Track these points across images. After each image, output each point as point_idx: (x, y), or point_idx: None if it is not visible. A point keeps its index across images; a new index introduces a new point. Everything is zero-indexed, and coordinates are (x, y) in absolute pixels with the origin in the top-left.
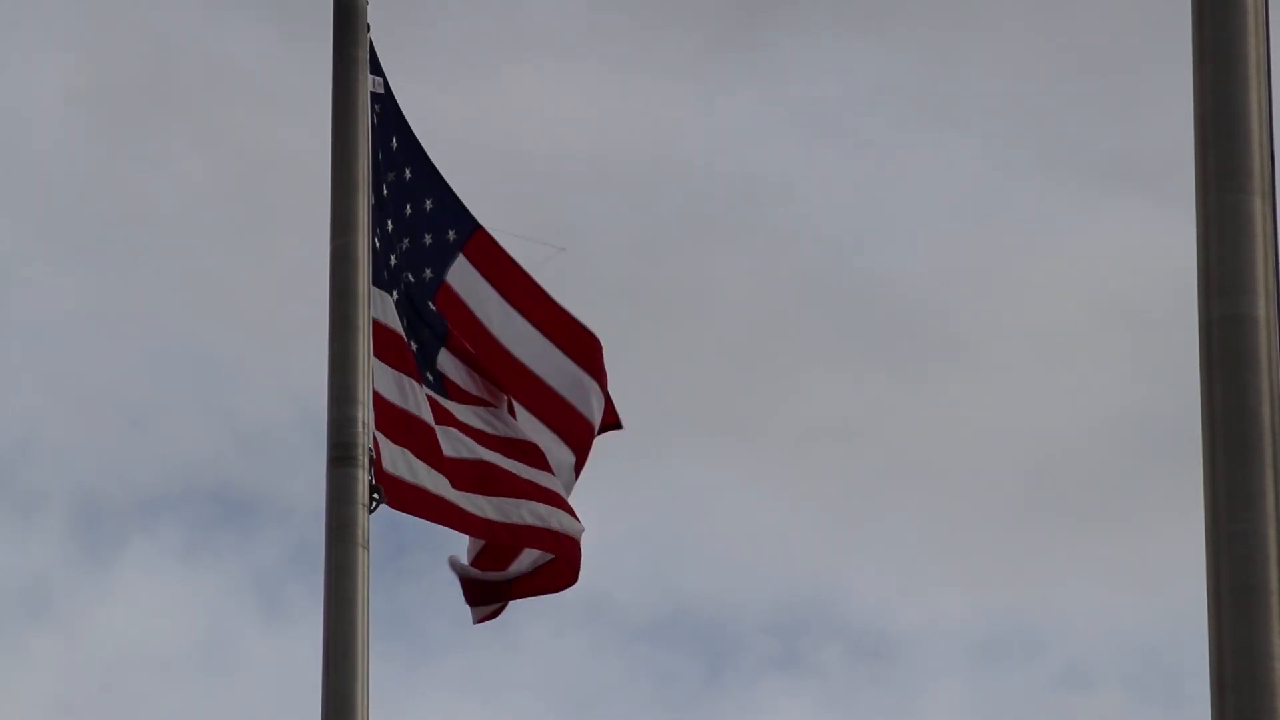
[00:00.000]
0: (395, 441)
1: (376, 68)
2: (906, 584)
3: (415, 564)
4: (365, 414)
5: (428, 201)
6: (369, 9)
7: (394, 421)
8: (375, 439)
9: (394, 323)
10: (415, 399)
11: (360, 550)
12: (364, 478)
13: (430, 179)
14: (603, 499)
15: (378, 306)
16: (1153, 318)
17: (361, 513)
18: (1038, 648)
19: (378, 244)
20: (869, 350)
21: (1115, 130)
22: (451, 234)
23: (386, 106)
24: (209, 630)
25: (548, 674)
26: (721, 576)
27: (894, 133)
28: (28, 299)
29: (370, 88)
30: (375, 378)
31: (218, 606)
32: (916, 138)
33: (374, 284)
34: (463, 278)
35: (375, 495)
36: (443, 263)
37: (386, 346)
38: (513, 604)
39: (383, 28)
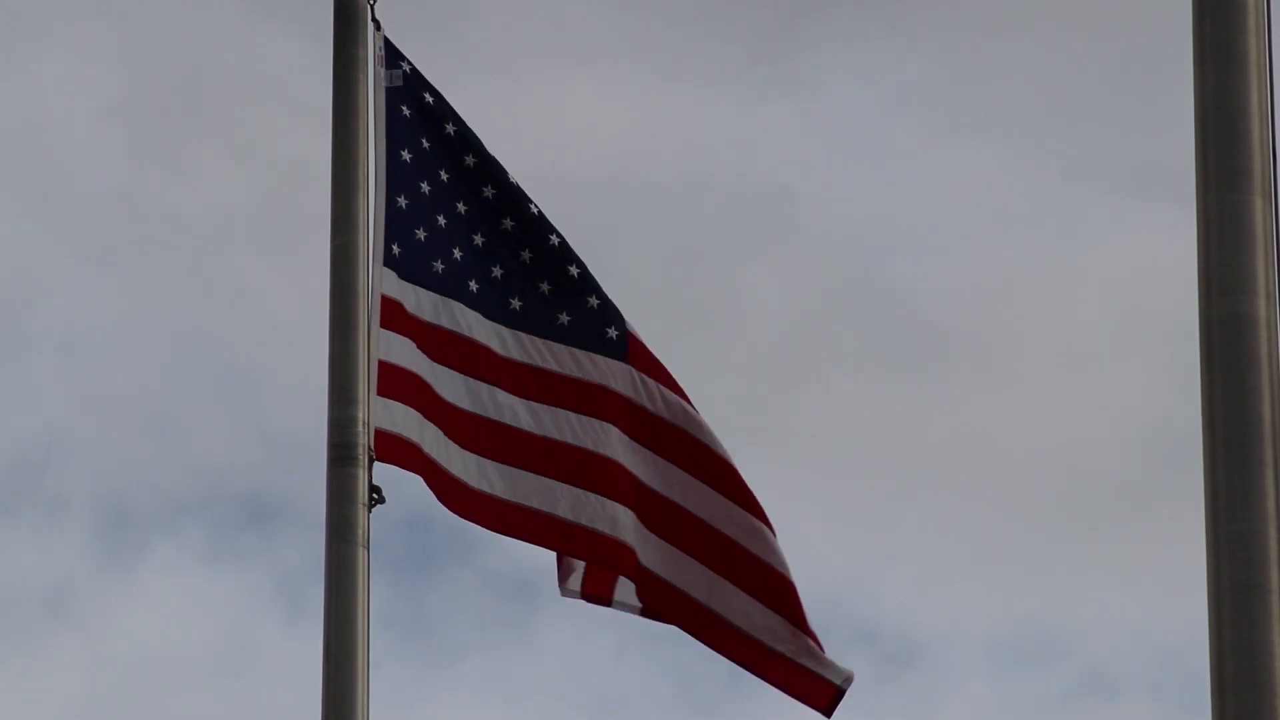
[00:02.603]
0: (398, 400)
1: (394, 61)
2: (929, 589)
3: (438, 566)
4: (365, 414)
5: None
6: (377, 7)
7: (394, 381)
8: (371, 414)
9: (416, 308)
10: (428, 365)
11: (360, 550)
12: (364, 477)
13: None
14: None
15: (395, 289)
16: (1182, 327)
17: (362, 512)
18: (1061, 652)
19: (422, 236)
20: (897, 359)
21: (1146, 139)
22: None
23: (418, 95)
24: (230, 633)
25: (570, 676)
26: None
27: (925, 142)
28: (58, 307)
29: (385, 83)
30: (381, 347)
31: (240, 610)
32: (947, 147)
33: (407, 279)
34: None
35: (375, 495)
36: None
37: (397, 319)
38: (532, 606)
39: (403, 31)
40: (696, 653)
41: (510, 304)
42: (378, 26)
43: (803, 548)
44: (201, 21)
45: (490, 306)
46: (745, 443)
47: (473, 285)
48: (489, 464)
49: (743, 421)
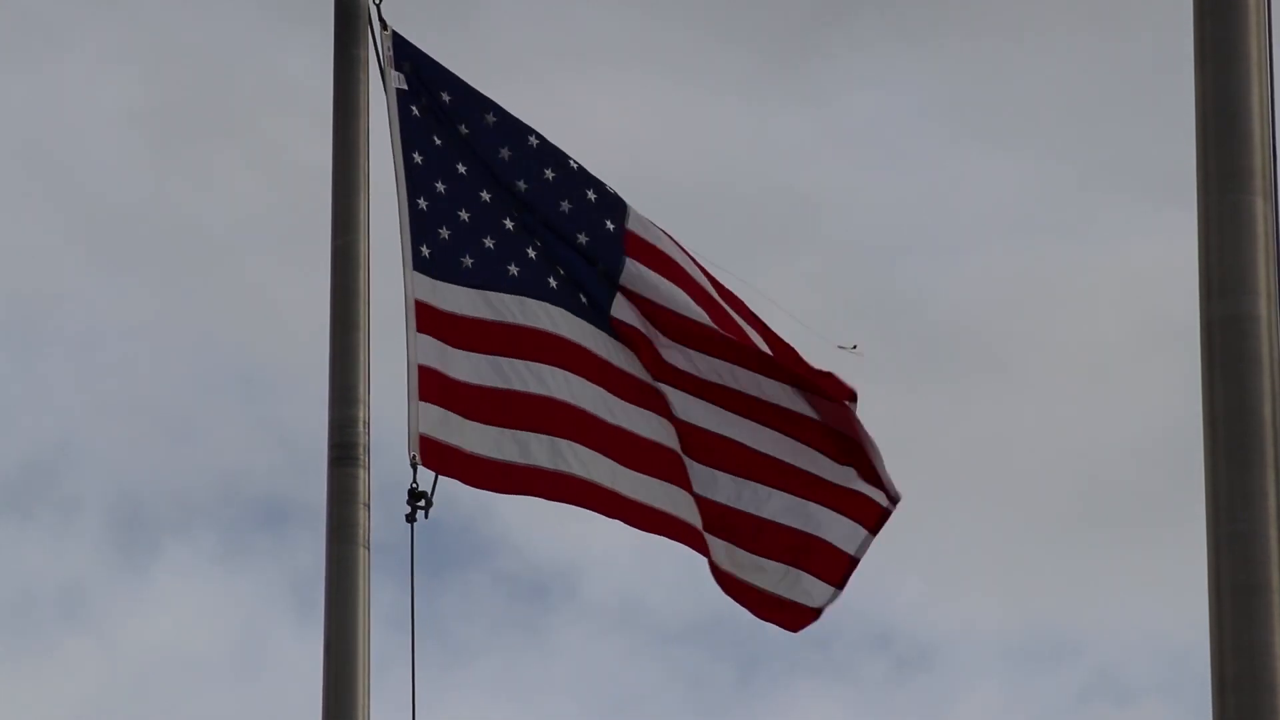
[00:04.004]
0: (438, 404)
1: (400, 61)
2: (942, 591)
3: (449, 568)
4: (366, 414)
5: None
6: (385, 7)
7: (436, 387)
8: (416, 422)
9: (453, 307)
10: (463, 359)
11: (361, 550)
12: (365, 477)
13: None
14: None
15: (428, 291)
16: (1196, 331)
17: (363, 512)
18: (1073, 655)
19: (446, 235)
20: (912, 364)
21: (1161, 144)
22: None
23: (424, 91)
24: (243, 635)
25: (582, 677)
26: None
27: (941, 148)
28: (74, 309)
29: (396, 84)
30: (419, 351)
31: (252, 611)
32: (963, 153)
33: (440, 279)
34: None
35: (422, 504)
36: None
37: (432, 322)
38: (544, 607)
39: (417, 34)
40: (708, 653)
41: (549, 283)
42: (384, 25)
43: None
44: (223, 26)
45: (532, 287)
46: None
47: (512, 269)
48: (510, 433)
49: None
